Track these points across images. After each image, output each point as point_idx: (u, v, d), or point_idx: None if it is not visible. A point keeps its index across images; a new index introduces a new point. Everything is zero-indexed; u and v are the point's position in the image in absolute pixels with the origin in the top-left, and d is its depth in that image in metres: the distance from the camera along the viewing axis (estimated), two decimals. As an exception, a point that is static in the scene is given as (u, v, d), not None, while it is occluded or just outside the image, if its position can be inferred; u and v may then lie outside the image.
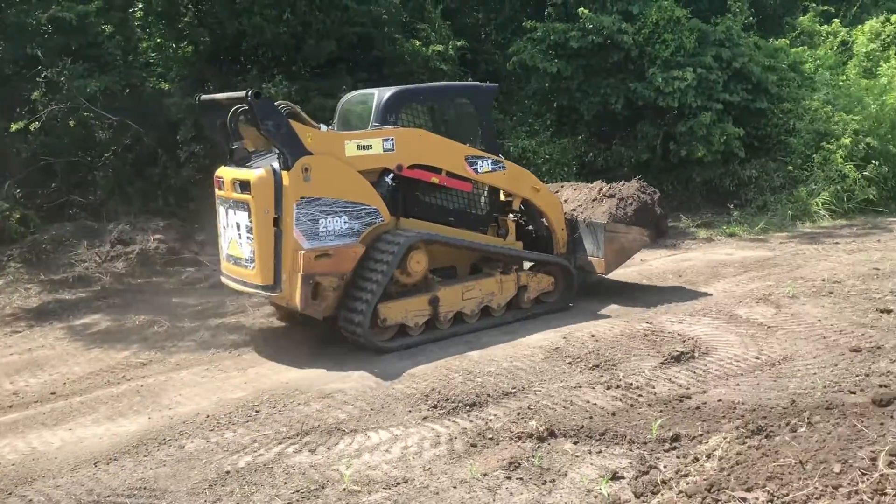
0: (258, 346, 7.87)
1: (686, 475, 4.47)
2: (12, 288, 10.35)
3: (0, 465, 5.28)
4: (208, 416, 5.93)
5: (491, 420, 5.57)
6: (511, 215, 8.95)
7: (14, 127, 12.99)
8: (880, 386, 5.67)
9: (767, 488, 3.85)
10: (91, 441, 5.62)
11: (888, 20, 18.97)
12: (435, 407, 5.86)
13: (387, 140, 7.70)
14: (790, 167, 15.34)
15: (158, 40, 14.74)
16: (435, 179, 8.07)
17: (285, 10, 13.36)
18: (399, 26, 14.79)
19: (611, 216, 8.92)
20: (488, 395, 6.05)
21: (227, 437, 5.54)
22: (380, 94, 8.09)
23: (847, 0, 21.75)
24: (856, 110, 15.96)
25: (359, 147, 7.55)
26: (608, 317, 8.35)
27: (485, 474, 4.70)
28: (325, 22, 13.62)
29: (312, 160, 7.20)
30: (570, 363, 6.81)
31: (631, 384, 6.16)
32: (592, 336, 7.59)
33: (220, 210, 7.87)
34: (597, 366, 6.67)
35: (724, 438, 4.80)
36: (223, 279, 8.11)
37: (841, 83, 17.02)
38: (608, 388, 6.12)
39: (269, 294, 7.49)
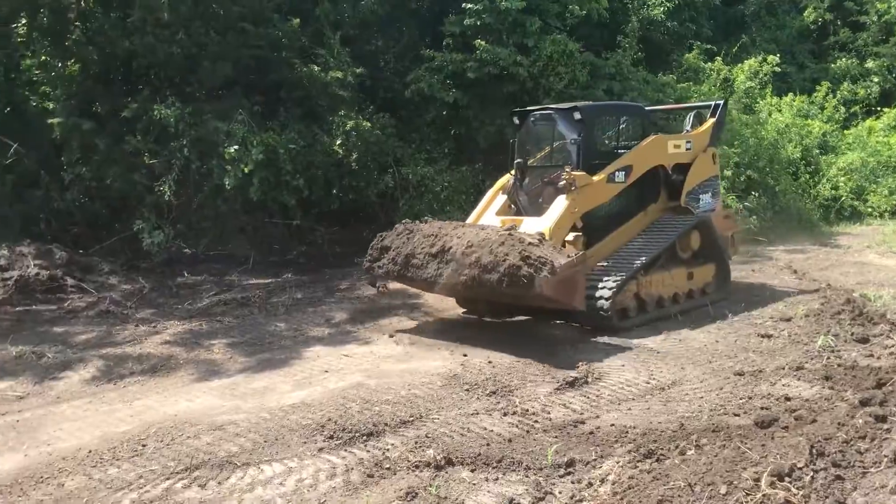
0: (146, 376, 7.56)
1: (581, 500, 4.53)
2: None
3: None
4: (91, 452, 5.63)
5: (388, 450, 5.50)
6: None
7: None
8: (762, 408, 5.91)
9: (659, 511, 3.94)
10: (-41, 482, 5.25)
11: (765, 60, 20.12)
12: (331, 437, 5.75)
13: None
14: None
15: (44, 58, 14.09)
16: None
17: (179, 30, 13.04)
18: (297, 51, 14.67)
19: None
20: (386, 425, 5.98)
21: (110, 473, 5.26)
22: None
23: (728, 39, 22.98)
24: (736, 144, 16.81)
25: None
26: (505, 343, 8.43)
27: (382, 505, 4.63)
28: (222, 44, 13.37)
29: None
30: (467, 390, 6.82)
31: (527, 410, 6.21)
32: (490, 362, 7.64)
33: None
34: (494, 392, 6.70)
35: (617, 463, 4.90)
36: None
37: (723, 118, 17.87)
38: (505, 414, 6.15)
39: None
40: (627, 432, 5.61)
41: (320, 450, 5.55)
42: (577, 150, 9.54)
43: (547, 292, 7.64)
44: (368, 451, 5.49)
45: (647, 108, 11.52)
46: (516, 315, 9.60)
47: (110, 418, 6.40)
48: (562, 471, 5.01)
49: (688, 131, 10.90)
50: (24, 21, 13.76)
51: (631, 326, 8.81)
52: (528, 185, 9.92)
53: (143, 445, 5.73)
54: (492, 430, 5.82)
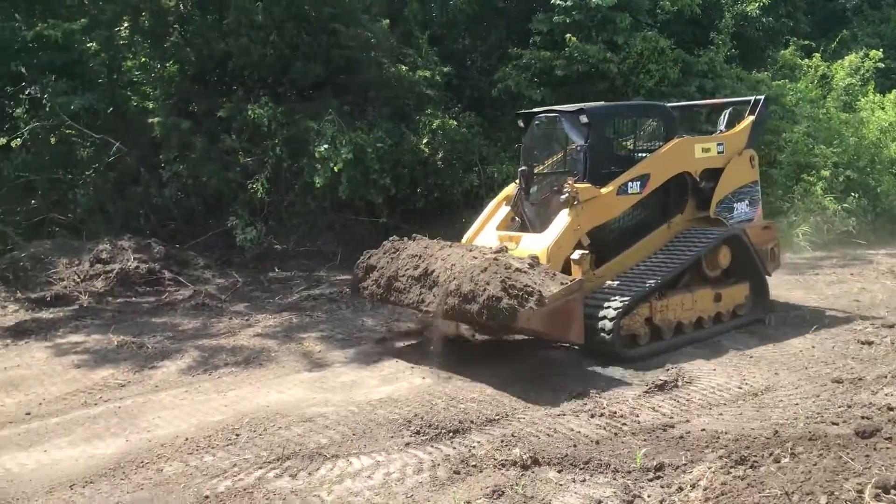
0: (239, 367, 7.78)
1: (671, 505, 4.45)
2: (-11, 306, 10.20)
3: (-28, 486, 5.17)
4: (187, 439, 5.84)
5: (474, 447, 5.51)
6: None
7: (-5, 143, 12.89)
8: (862, 417, 5.67)
9: (753, 520, 3.83)
10: (66, 463, 5.51)
11: (867, 55, 19.30)
12: (418, 433, 5.80)
13: None
14: (771, 198, 15.47)
15: (143, 59, 14.68)
16: None
17: (272, 32, 13.37)
18: (387, 51, 14.85)
19: None
20: (472, 422, 6.00)
21: (206, 460, 5.45)
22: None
23: (827, 35, 22.14)
24: (835, 143, 16.19)
25: None
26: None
27: (468, 502, 4.64)
28: (313, 45, 13.65)
29: None
30: (554, 390, 6.78)
31: (615, 412, 6.13)
32: (575, 364, 7.57)
33: None
34: (581, 393, 6.65)
35: (709, 468, 4.79)
36: None
37: (821, 116, 17.26)
38: (592, 416, 6.09)
39: None
40: (719, 438, 5.48)
41: (407, 444, 5.61)
42: (584, 157, 8.40)
43: (534, 326, 6.80)
44: (454, 448, 5.52)
45: (673, 105, 10.42)
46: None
47: (205, 407, 6.62)
48: (651, 474, 4.93)
49: (721, 131, 9.63)
50: (126, 24, 14.36)
51: (640, 356, 7.77)
52: (537, 194, 8.86)
53: (237, 435, 5.90)
54: (579, 432, 5.77)
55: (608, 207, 8.36)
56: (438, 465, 5.23)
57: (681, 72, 15.36)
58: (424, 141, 14.01)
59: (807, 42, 20.24)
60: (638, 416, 6.09)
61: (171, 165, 13.56)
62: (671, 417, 6.04)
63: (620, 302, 7.52)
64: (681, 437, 5.56)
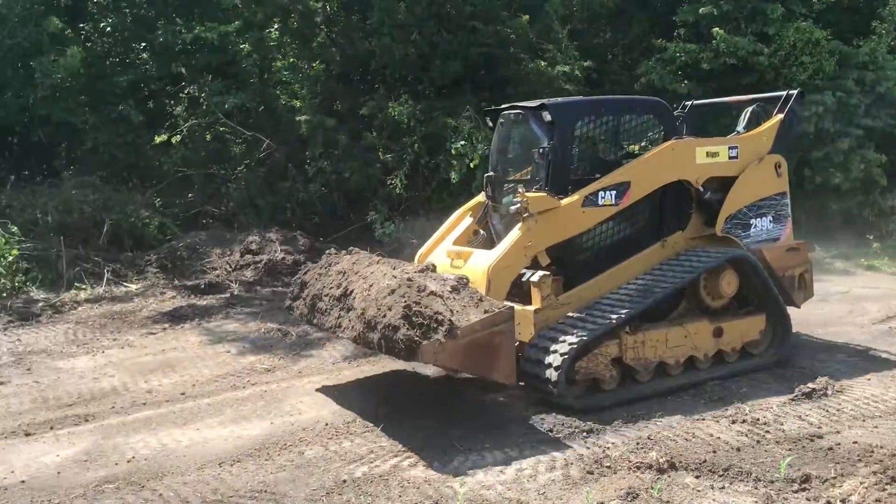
0: (377, 357, 7.99)
1: (818, 520, 4.23)
2: (150, 292, 10.94)
3: (134, 458, 5.57)
4: (327, 425, 6.06)
5: (609, 448, 5.43)
6: None
7: (158, 139, 13.81)
8: None
9: (911, 541, 3.59)
10: (216, 442, 5.84)
11: None
12: (551, 430, 5.79)
13: None
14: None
15: (292, 60, 15.31)
16: None
17: (413, 31, 13.62)
18: (525, 47, 14.80)
19: None
20: (606, 423, 5.92)
21: (344, 446, 5.64)
22: None
23: None
24: None
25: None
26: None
27: (601, 503, 4.58)
28: (453, 43, 13.80)
29: None
30: (693, 394, 6.58)
31: (758, 419, 5.88)
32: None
33: None
34: (721, 398, 6.42)
35: (861, 483, 4.52)
36: None
37: None
38: (733, 422, 5.87)
39: None
40: (873, 452, 5.16)
41: (540, 441, 5.60)
42: (547, 161, 6.96)
43: (445, 362, 5.61)
44: (588, 448, 5.46)
45: (700, 103, 9.13)
46: None
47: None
48: (795, 486, 4.70)
49: (738, 133, 8.02)
50: (276, 26, 15.03)
51: (600, 407, 6.29)
52: (508, 205, 7.31)
53: (374, 423, 6.07)
54: (718, 437, 5.58)
55: (570, 222, 6.88)
56: (571, 463, 5.19)
57: (837, 64, 14.47)
58: (562, 137, 13.86)
59: (985, 28, 18.59)
60: (782, 424, 5.82)
61: (316, 162, 14.08)
62: (819, 427, 5.73)
63: (572, 342, 6.13)
64: (830, 448, 5.27)
